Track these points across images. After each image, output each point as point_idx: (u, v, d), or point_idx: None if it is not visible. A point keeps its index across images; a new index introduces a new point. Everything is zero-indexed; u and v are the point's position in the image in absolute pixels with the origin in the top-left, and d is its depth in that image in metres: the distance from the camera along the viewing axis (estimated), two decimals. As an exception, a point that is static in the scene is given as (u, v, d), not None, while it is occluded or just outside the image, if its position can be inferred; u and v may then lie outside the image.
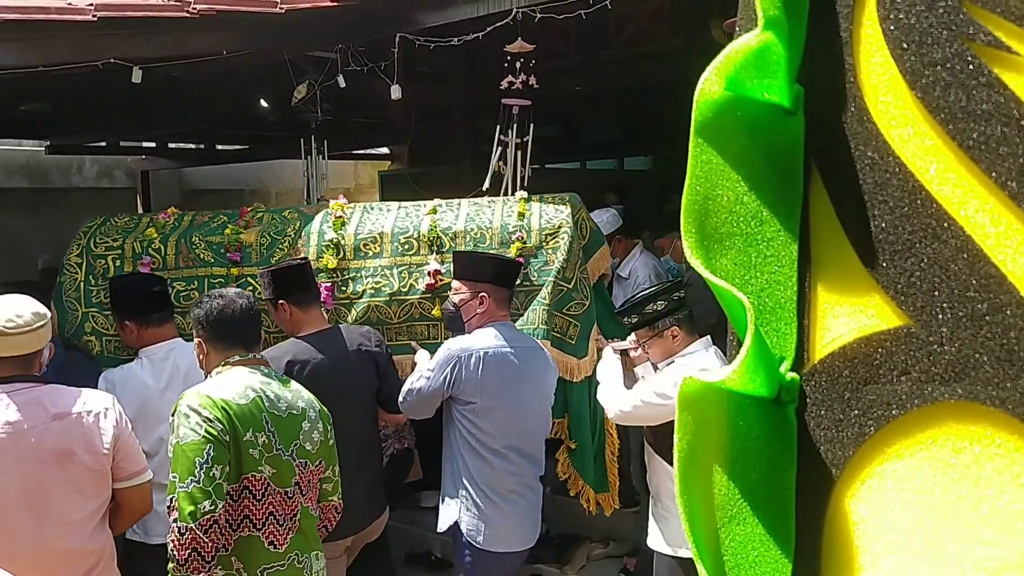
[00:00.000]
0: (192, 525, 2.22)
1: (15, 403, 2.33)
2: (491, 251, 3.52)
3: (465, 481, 2.98)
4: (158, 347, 3.12)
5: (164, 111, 5.74)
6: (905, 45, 0.57)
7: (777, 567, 0.60)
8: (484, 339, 3.01)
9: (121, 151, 7.82)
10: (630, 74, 5.01)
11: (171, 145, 7.89)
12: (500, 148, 4.18)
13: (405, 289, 3.56)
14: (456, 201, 3.88)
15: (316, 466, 2.50)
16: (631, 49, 4.93)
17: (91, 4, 3.55)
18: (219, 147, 8.05)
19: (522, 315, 3.43)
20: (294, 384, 2.54)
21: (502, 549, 3.01)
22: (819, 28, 0.60)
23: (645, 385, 2.98)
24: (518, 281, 3.31)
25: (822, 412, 0.60)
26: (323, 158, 4.85)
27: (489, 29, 3.99)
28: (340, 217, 3.78)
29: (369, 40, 4.32)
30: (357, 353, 3.11)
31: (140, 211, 8.43)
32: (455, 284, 3.20)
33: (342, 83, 4.39)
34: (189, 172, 8.71)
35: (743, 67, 0.59)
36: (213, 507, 2.23)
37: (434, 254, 3.60)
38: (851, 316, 0.59)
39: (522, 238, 3.57)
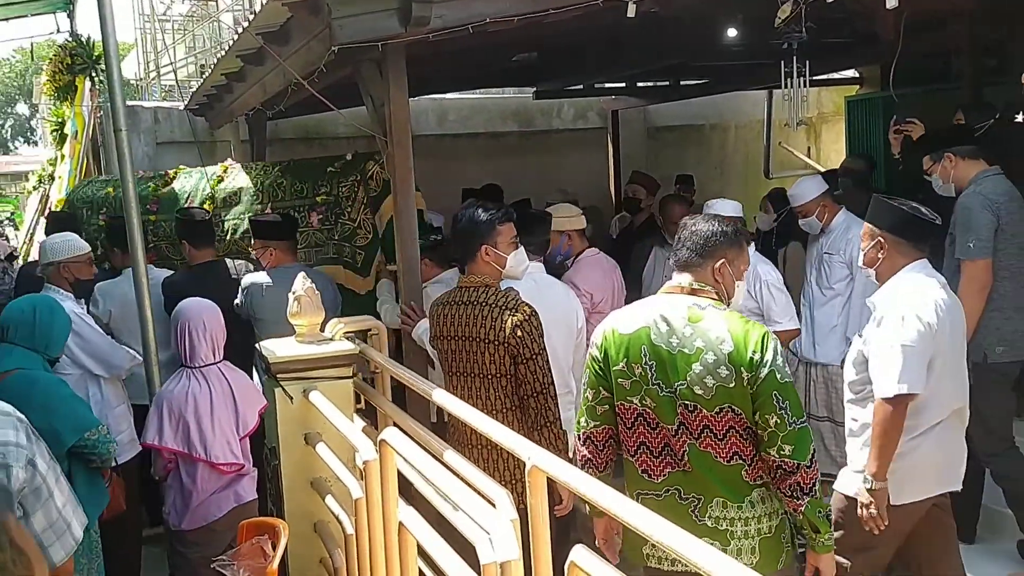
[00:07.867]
0: (577, 434, 2.59)
1: None
2: (299, 206, 4.83)
3: None
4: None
5: (639, 50, 6.01)
6: None
7: None
8: (275, 276, 4.24)
9: (595, 92, 8.40)
10: None
11: (639, 84, 8.26)
12: None
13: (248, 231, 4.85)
14: (287, 162, 5.39)
15: (716, 412, 2.30)
16: None
17: (587, -52, 3.79)
18: (682, 82, 8.22)
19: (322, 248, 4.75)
20: (704, 324, 2.34)
21: None
22: None
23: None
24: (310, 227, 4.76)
25: None
26: (804, 83, 4.64)
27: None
28: (219, 176, 5.37)
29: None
30: (228, 277, 4.54)
31: (610, 149, 9.03)
32: (255, 241, 4.48)
33: (830, -3, 4.13)
34: (652, 110, 9.07)
35: None
36: (586, 424, 2.54)
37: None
38: None
39: (324, 197, 4.73)
